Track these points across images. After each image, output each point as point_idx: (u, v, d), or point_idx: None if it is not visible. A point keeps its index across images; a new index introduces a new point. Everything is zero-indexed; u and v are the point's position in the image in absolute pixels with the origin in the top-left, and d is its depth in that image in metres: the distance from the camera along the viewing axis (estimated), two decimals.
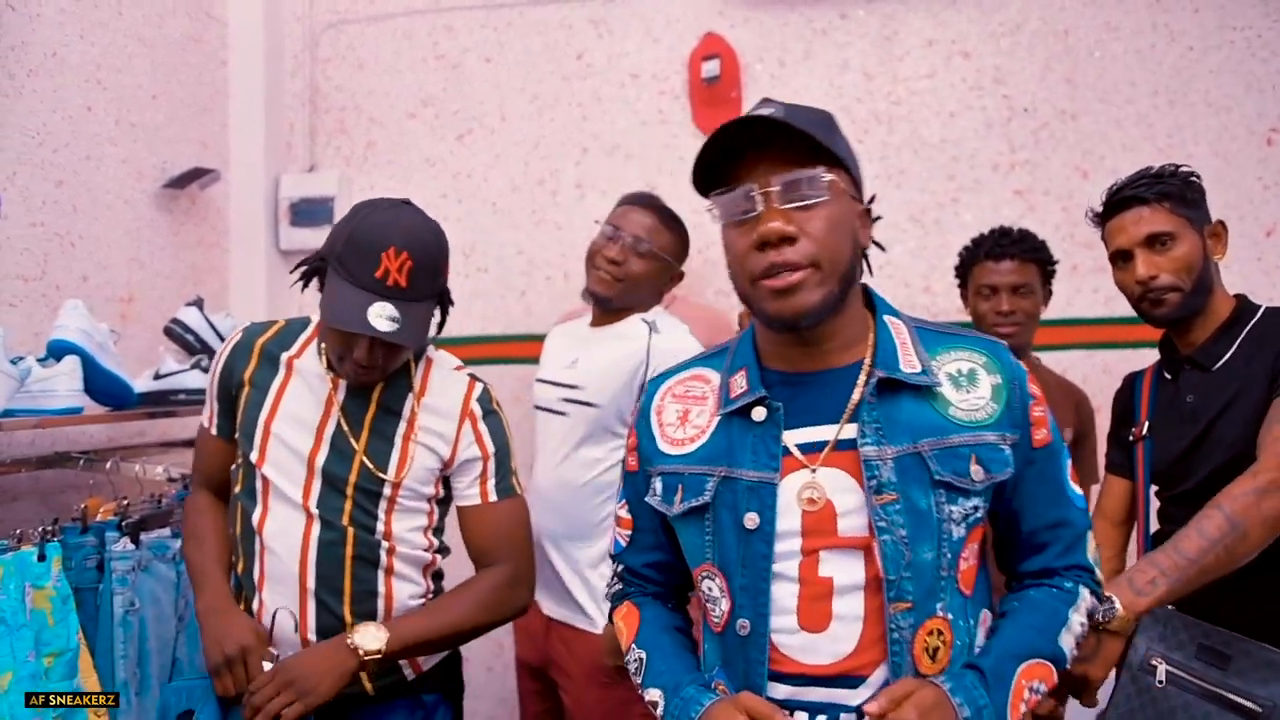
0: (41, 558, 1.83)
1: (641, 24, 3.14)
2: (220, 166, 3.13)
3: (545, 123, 3.19)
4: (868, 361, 1.27)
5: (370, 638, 1.62)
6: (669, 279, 2.28)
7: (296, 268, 1.72)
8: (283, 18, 3.34)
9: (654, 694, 1.31)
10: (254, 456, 1.70)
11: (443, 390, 1.75)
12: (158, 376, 2.44)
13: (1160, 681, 1.68)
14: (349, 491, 1.67)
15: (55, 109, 2.52)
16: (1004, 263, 2.34)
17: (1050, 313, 2.87)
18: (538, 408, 2.27)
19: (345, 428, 1.69)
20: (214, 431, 1.80)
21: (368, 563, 1.69)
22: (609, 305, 2.18)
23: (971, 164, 2.95)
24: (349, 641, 1.61)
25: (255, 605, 1.70)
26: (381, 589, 1.69)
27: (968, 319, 2.46)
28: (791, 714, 1.21)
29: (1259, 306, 1.86)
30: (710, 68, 3.01)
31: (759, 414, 1.27)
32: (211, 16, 3.16)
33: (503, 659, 3.21)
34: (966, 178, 2.95)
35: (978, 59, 2.96)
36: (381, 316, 1.54)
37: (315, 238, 3.23)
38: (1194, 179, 1.86)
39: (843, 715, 1.20)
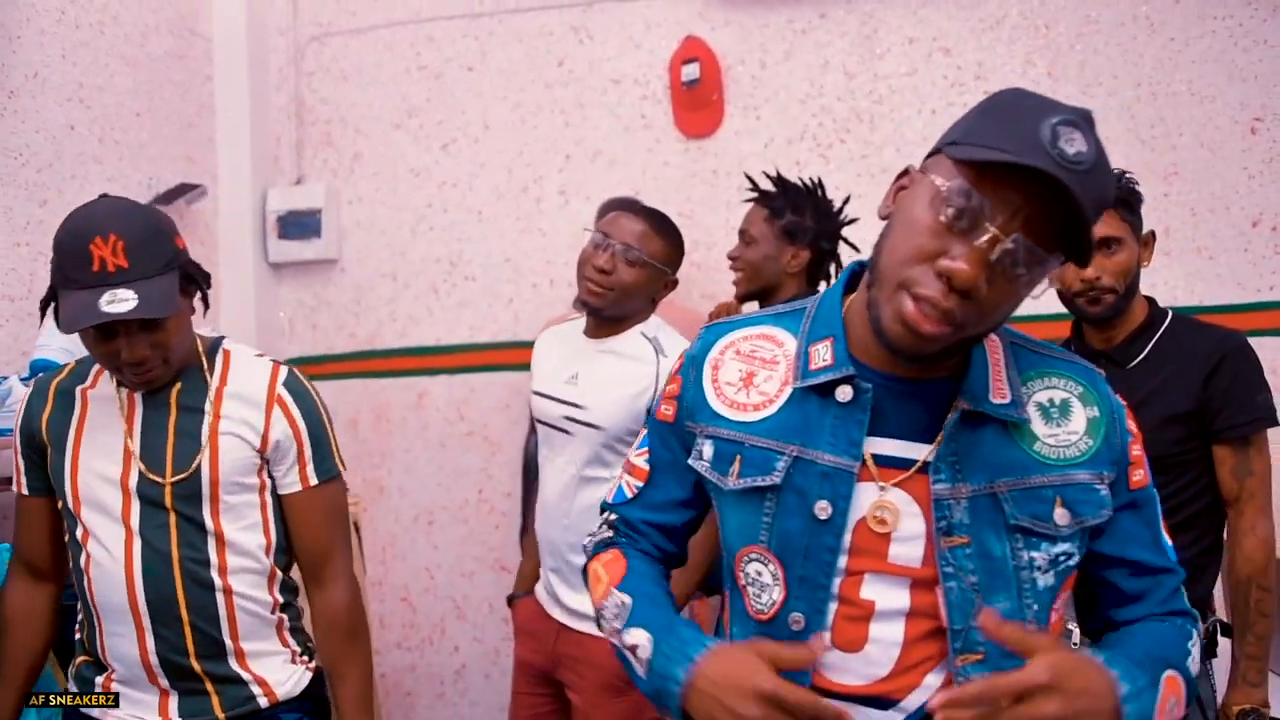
0: None
1: (622, 29, 3.15)
2: (208, 181, 3.15)
3: (528, 130, 3.20)
4: (958, 385, 1.12)
5: None
6: (662, 286, 2.21)
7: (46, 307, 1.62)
8: (266, 31, 3.37)
9: (637, 634, 1.16)
10: (69, 499, 1.61)
11: (247, 378, 1.68)
12: None
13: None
14: (168, 502, 1.59)
15: (38, 129, 2.55)
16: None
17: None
18: (540, 422, 2.26)
19: (150, 439, 1.61)
20: (25, 491, 1.68)
21: (201, 585, 1.60)
22: (601, 315, 2.13)
23: None
24: None
25: (103, 669, 1.65)
26: (222, 611, 1.62)
27: None
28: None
29: (1168, 311, 2.00)
30: (690, 71, 3.01)
31: (844, 394, 1.12)
32: (195, 33, 3.18)
33: (500, 665, 3.22)
34: None
35: (959, 55, 2.95)
36: (115, 301, 1.46)
37: (303, 250, 3.26)
38: (1137, 186, 1.97)
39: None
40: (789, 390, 1.17)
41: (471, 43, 3.24)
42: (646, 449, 1.32)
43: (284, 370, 1.71)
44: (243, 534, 1.64)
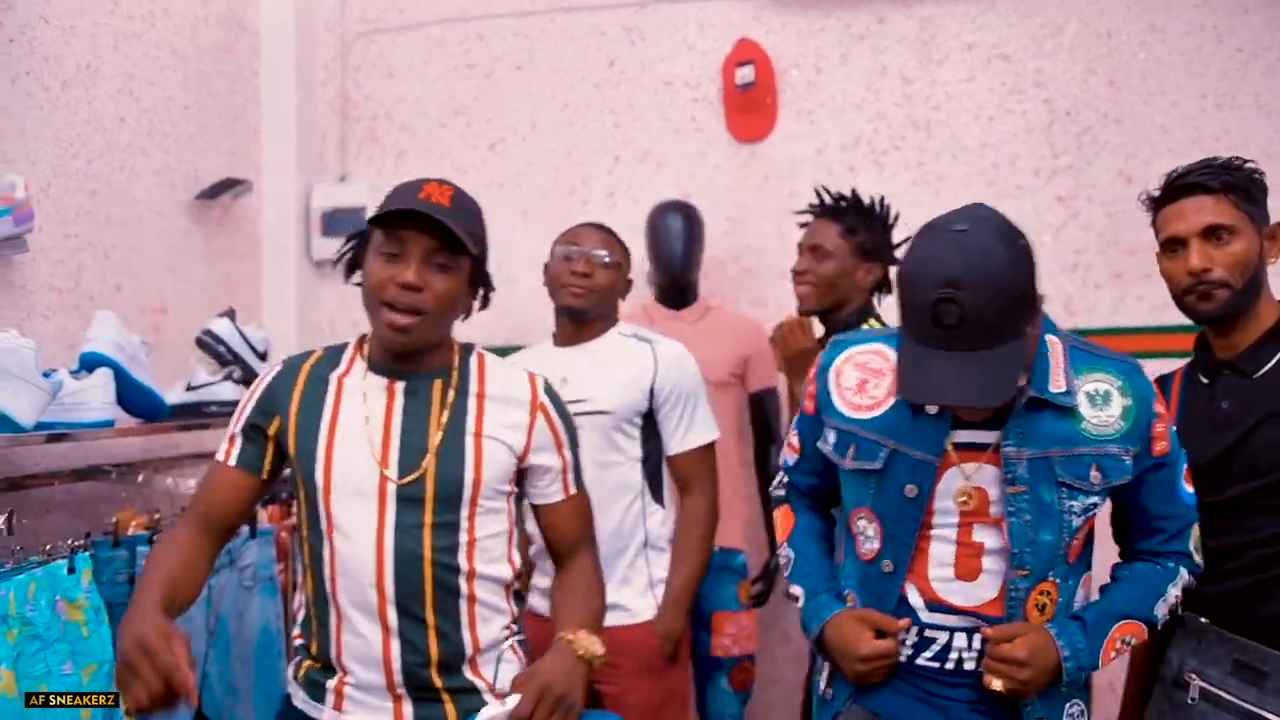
0: (71, 570, 1.81)
1: (675, 30, 3.11)
2: (252, 176, 3.12)
3: (577, 131, 3.16)
4: (1024, 381, 1.49)
5: (593, 643, 1.55)
6: (625, 286, 2.38)
7: (339, 259, 1.67)
8: (314, 27, 3.34)
9: (796, 589, 1.71)
10: (319, 490, 1.55)
11: (506, 382, 1.65)
12: (190, 388, 2.42)
13: (1194, 699, 1.69)
14: (428, 502, 1.54)
15: (89, 120, 2.52)
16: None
17: (1093, 321, 2.81)
18: None
19: (412, 434, 1.57)
20: (232, 463, 1.60)
21: (449, 590, 1.55)
22: (584, 316, 2.26)
23: (1012, 169, 2.89)
24: (579, 652, 1.53)
25: (333, 673, 1.57)
26: (464, 617, 1.57)
27: None
28: (924, 630, 1.57)
29: None
30: (745, 74, 2.97)
31: (932, 408, 1.53)
32: (243, 27, 3.15)
33: None
34: (1007, 183, 2.89)
35: (1018, 62, 2.90)
36: (436, 211, 1.47)
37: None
38: (1259, 175, 1.76)
39: (971, 633, 1.55)
40: (893, 399, 1.57)
41: (522, 41, 3.21)
42: (798, 431, 1.77)
43: (540, 379, 1.68)
44: (492, 541, 1.60)
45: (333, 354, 1.67)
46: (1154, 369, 2.73)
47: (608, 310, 2.31)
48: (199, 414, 2.41)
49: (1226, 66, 2.75)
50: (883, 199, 2.41)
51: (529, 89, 3.20)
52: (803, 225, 2.49)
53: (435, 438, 1.56)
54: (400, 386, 1.60)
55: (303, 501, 1.60)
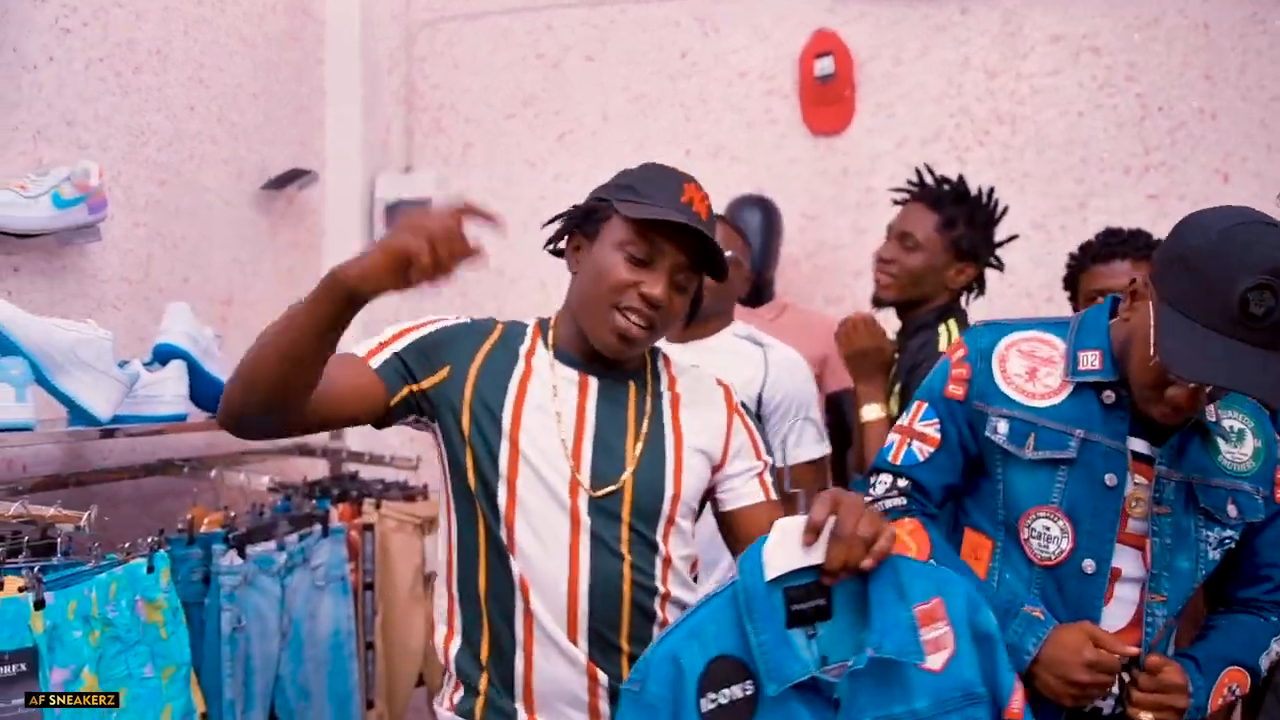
0: (150, 569, 1.76)
1: (749, 21, 3.02)
2: (316, 166, 3.07)
3: (648, 123, 3.09)
4: None
5: None
6: (744, 281, 2.31)
7: (552, 220, 1.49)
8: (379, 16, 3.28)
9: None
10: (502, 489, 1.38)
11: (696, 387, 1.52)
12: None
13: None
14: (625, 516, 1.39)
15: (159, 107, 2.47)
16: (1115, 264, 2.07)
17: None
18: None
19: (609, 440, 1.42)
20: (374, 364, 1.38)
21: (645, 615, 1.39)
22: (699, 315, 2.09)
23: (1101, 166, 2.78)
24: None
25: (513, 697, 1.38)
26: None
27: None
28: None
29: None
30: (824, 65, 2.88)
31: (1109, 397, 1.48)
32: (309, 14, 3.10)
33: None
34: (1096, 181, 2.78)
35: (1108, 55, 2.79)
36: (701, 224, 1.36)
37: None
38: None
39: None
40: (1070, 387, 1.51)
41: (591, 31, 3.13)
42: (936, 419, 1.59)
43: (725, 381, 1.57)
44: (681, 561, 1.45)
45: (514, 329, 1.50)
46: None
47: (724, 307, 2.19)
48: None
49: None
50: (991, 191, 2.29)
51: (599, 80, 3.13)
52: (898, 203, 2.35)
53: (636, 448, 1.42)
54: (594, 384, 1.45)
55: (458, 494, 1.42)
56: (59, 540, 1.65)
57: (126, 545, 1.77)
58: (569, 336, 1.46)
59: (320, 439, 2.78)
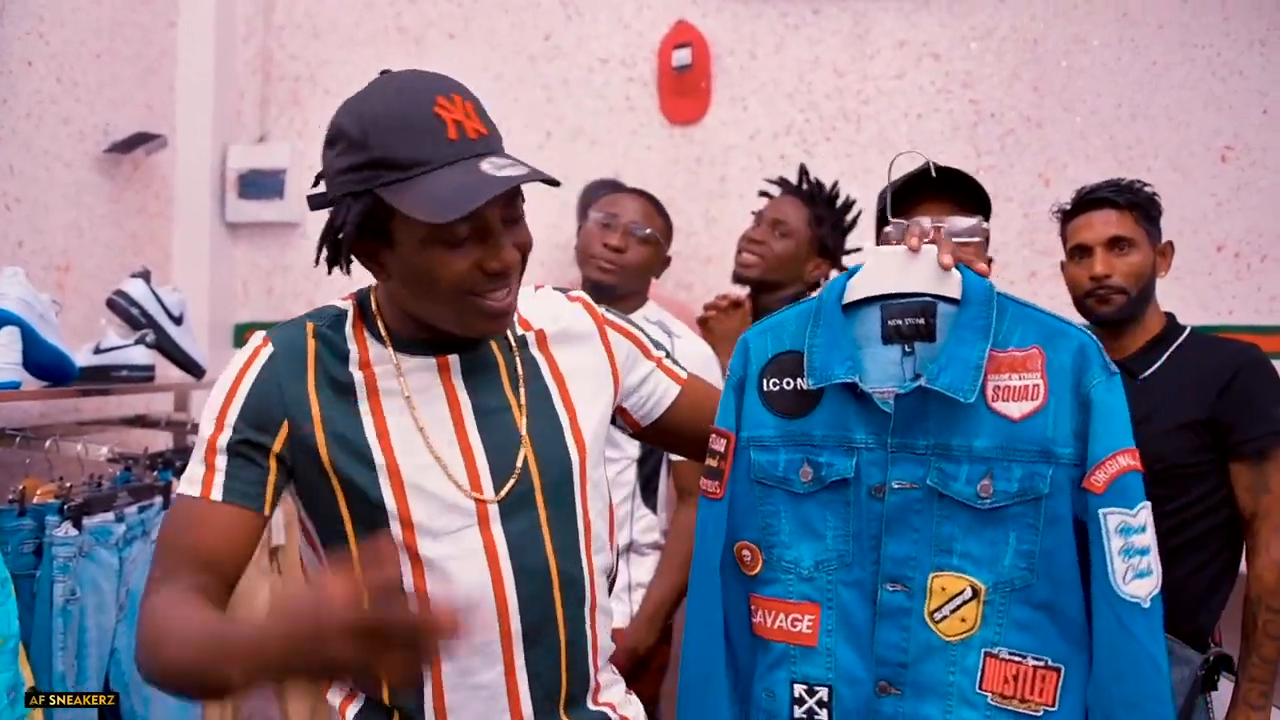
0: None
1: (612, 8, 3.08)
2: (166, 131, 2.98)
3: (509, 104, 3.11)
4: None
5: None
6: (661, 264, 2.27)
7: (323, 242, 1.17)
8: None
9: None
10: (394, 518, 1.15)
11: (555, 317, 1.30)
12: (98, 351, 2.31)
13: None
14: (538, 494, 1.20)
15: None
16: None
17: None
18: None
19: (492, 418, 1.21)
20: (216, 497, 1.12)
21: (577, 599, 1.22)
22: (612, 294, 2.12)
23: None
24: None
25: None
26: (587, 631, 1.25)
27: None
28: None
29: (1186, 327, 2.02)
30: (681, 56, 2.96)
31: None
32: None
33: None
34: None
35: (947, 62, 2.96)
36: (498, 167, 1.07)
37: (263, 211, 3.11)
38: (1156, 198, 2.01)
39: None
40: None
41: (455, 9, 3.13)
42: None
43: (575, 291, 1.36)
44: (599, 521, 1.26)
45: (329, 333, 1.21)
46: None
47: (638, 288, 2.18)
48: (107, 378, 2.30)
49: (1142, 78, 2.86)
50: (854, 203, 2.45)
51: (460, 58, 3.13)
52: (764, 194, 2.50)
53: (522, 421, 1.22)
54: (455, 361, 1.21)
55: (337, 550, 1.18)
56: None
57: None
58: (403, 319, 1.21)
59: (164, 409, 2.72)
